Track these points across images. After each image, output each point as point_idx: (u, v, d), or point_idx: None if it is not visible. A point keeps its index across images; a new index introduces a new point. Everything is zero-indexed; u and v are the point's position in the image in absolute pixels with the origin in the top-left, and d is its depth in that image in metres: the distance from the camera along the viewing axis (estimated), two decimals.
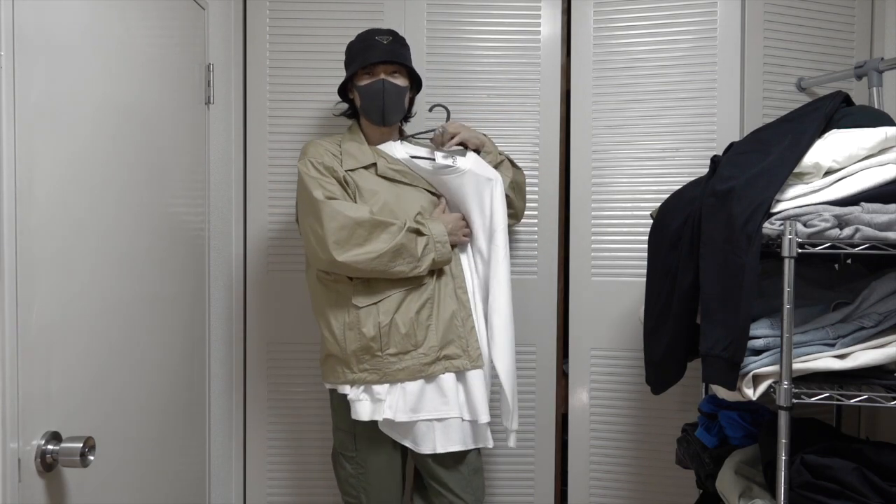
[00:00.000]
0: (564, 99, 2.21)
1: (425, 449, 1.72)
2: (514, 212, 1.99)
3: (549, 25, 2.18)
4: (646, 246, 1.74)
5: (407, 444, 1.74)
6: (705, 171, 1.57)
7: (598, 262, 2.19)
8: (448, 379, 1.73)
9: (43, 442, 1.13)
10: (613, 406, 2.21)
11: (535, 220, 2.20)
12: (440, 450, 1.72)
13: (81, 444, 1.13)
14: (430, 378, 1.72)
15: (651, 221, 1.74)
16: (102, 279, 1.35)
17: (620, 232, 2.18)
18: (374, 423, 1.74)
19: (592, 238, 2.19)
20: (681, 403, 2.14)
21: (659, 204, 1.73)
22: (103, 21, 1.36)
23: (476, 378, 1.75)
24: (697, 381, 1.93)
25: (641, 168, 2.16)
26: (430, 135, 1.90)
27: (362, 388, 1.72)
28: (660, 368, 1.64)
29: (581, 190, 2.19)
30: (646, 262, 1.72)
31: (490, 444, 1.80)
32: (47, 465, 1.13)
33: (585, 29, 2.18)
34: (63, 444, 1.14)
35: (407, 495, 1.92)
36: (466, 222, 1.82)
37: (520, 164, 2.02)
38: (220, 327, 2.08)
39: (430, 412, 1.72)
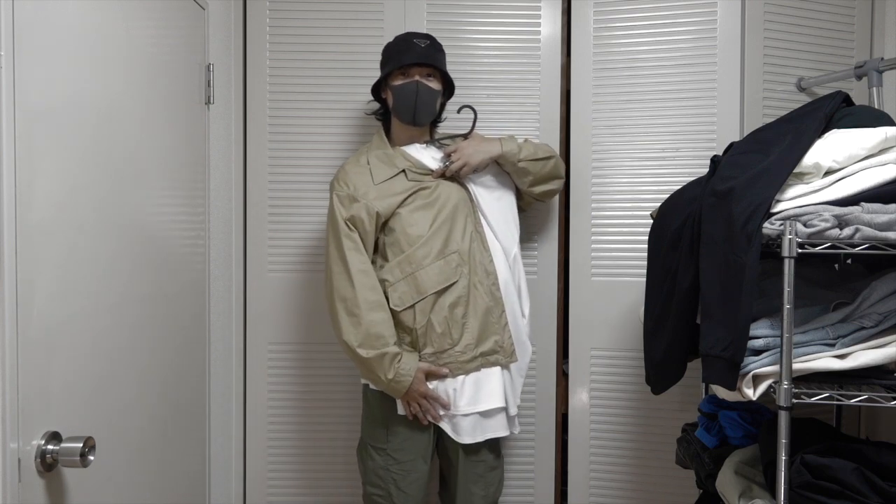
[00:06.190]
0: (564, 99, 2.21)
1: (465, 439, 1.78)
2: (539, 177, 1.94)
3: (549, 25, 2.18)
4: (646, 246, 1.74)
5: (446, 428, 1.79)
6: (705, 171, 1.57)
7: (598, 262, 2.19)
8: (487, 371, 1.80)
9: (43, 442, 1.13)
10: (613, 406, 2.21)
11: (536, 221, 2.20)
12: (479, 438, 1.80)
13: (81, 444, 1.13)
14: (468, 373, 1.78)
15: (651, 221, 1.74)
16: (102, 279, 1.35)
17: (620, 232, 2.18)
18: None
19: (592, 238, 2.19)
20: (681, 403, 2.14)
21: (659, 204, 1.73)
22: (103, 21, 1.36)
23: (510, 372, 1.84)
24: (697, 381, 1.93)
25: (641, 168, 2.16)
26: (457, 139, 1.93)
27: None
28: (660, 368, 1.64)
29: (581, 190, 2.19)
30: (646, 262, 1.72)
31: (516, 431, 1.92)
32: (47, 465, 1.13)
33: (585, 29, 2.17)
34: (63, 444, 1.14)
35: (433, 491, 1.95)
36: (436, 399, 1.76)
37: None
38: (220, 327, 2.08)
39: (472, 406, 1.78)
